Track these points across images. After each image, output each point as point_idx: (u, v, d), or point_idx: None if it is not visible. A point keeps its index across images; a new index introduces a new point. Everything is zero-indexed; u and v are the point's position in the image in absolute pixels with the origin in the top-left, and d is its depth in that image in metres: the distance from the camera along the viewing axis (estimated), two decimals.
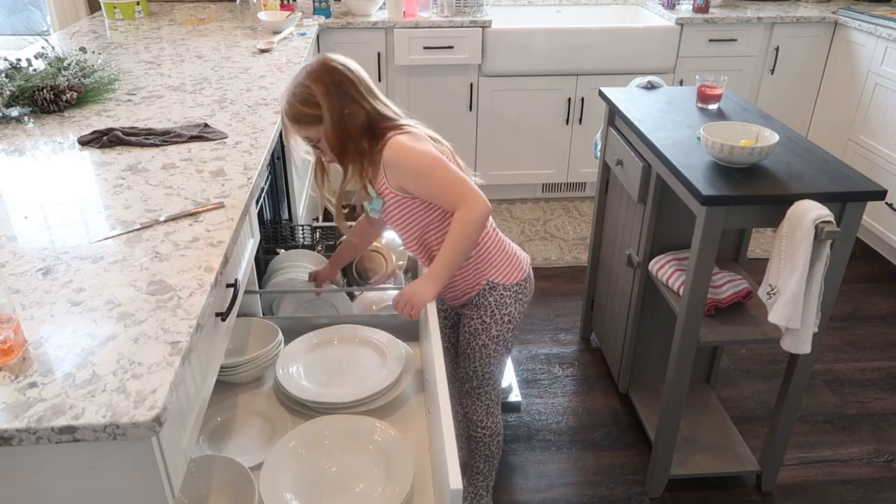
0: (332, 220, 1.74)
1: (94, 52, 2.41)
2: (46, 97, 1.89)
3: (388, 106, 1.55)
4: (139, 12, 3.23)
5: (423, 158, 1.46)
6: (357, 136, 1.48)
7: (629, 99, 2.17)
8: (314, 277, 1.85)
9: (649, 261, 2.03)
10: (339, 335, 1.67)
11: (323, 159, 1.56)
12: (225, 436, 1.45)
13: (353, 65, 1.52)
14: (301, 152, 1.58)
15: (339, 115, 1.45)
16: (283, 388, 1.49)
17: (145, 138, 1.70)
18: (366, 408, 1.46)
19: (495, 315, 1.63)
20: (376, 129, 1.49)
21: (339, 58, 1.51)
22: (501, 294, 1.61)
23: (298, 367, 1.57)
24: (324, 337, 1.66)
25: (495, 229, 1.63)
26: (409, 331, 1.72)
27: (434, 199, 1.50)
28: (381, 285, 2.02)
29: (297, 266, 2.01)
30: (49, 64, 2.04)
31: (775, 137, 1.68)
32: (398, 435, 1.37)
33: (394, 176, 1.49)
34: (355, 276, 2.14)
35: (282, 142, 2.28)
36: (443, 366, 1.32)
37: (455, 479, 1.07)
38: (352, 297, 2.16)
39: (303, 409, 1.48)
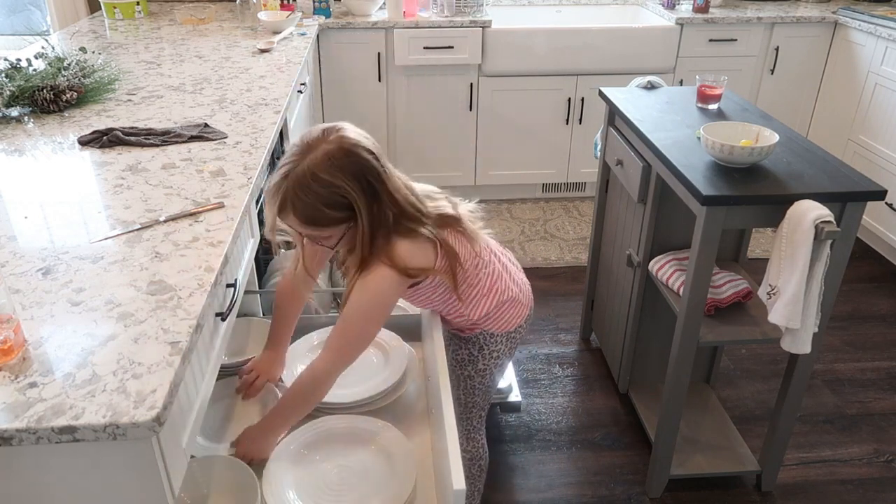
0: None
1: (94, 52, 2.41)
2: (46, 97, 1.89)
3: (400, 184, 1.33)
4: (139, 12, 3.23)
5: (368, 306, 1.31)
6: (382, 237, 1.29)
7: (629, 99, 2.17)
8: (247, 372, 1.52)
9: (649, 261, 2.03)
10: (320, 341, 1.66)
11: (310, 245, 1.37)
12: (226, 435, 1.44)
13: (371, 140, 1.30)
14: (277, 235, 1.34)
15: (376, 216, 1.27)
16: (286, 387, 1.49)
17: (145, 138, 1.70)
18: (369, 408, 1.46)
19: (483, 351, 1.57)
20: (404, 222, 1.31)
21: (358, 135, 1.28)
22: (493, 336, 1.56)
23: (301, 368, 1.57)
24: (325, 336, 1.66)
25: (497, 286, 1.50)
26: (411, 331, 1.72)
27: (337, 325, 1.35)
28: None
29: None
30: (49, 64, 2.04)
31: (775, 137, 1.68)
32: (401, 435, 1.37)
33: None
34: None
35: (282, 142, 2.28)
36: (445, 366, 1.32)
37: (458, 480, 1.07)
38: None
39: None
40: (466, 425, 1.69)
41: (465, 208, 1.46)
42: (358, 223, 1.26)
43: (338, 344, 1.33)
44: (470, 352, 1.58)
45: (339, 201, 1.23)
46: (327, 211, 1.23)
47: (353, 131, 1.27)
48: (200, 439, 1.39)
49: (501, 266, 1.55)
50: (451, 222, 1.39)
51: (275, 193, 1.23)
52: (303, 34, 2.93)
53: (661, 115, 2.03)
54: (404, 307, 1.89)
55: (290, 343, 1.61)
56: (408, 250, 1.31)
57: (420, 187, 1.41)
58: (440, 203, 1.40)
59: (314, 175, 1.20)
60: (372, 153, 1.26)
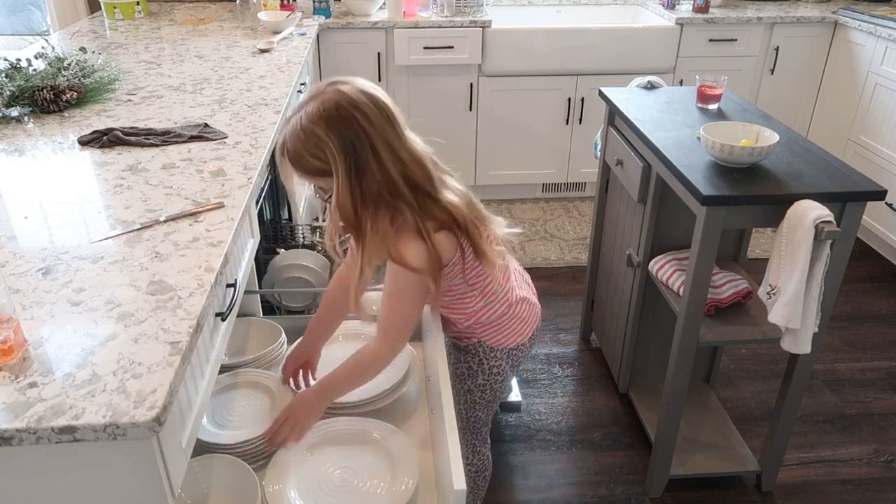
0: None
1: (94, 52, 2.41)
2: (46, 97, 1.89)
3: (409, 157, 1.25)
4: (139, 12, 3.23)
5: (400, 284, 1.30)
6: (373, 207, 1.23)
7: (629, 99, 2.17)
8: (290, 367, 1.52)
9: (649, 261, 2.03)
10: (343, 332, 1.67)
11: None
12: (233, 424, 1.44)
13: (380, 101, 1.23)
14: (296, 186, 1.34)
15: (356, 179, 1.21)
16: (290, 388, 1.49)
17: (145, 138, 1.70)
18: (370, 407, 1.46)
19: (483, 366, 1.52)
20: (397, 203, 1.25)
21: (362, 94, 1.21)
22: (493, 350, 1.51)
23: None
24: (357, 330, 1.66)
25: (508, 301, 1.47)
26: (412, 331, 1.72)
27: (381, 309, 1.35)
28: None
29: (297, 266, 2.01)
30: (49, 64, 2.04)
31: (775, 137, 1.68)
32: (402, 435, 1.37)
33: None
34: None
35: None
36: (446, 365, 1.31)
37: (459, 480, 1.07)
38: None
39: None
40: (471, 439, 1.65)
41: (500, 226, 1.41)
42: (335, 181, 1.21)
43: (385, 326, 1.34)
44: (469, 365, 1.54)
45: (323, 153, 1.19)
46: (312, 161, 1.21)
47: (354, 88, 1.22)
48: (209, 426, 1.40)
49: (516, 279, 1.51)
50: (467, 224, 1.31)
51: (279, 139, 1.25)
52: (303, 34, 2.93)
53: (661, 115, 2.03)
54: None
55: (295, 343, 1.60)
56: (420, 214, 1.26)
57: (449, 181, 1.34)
58: (453, 196, 1.31)
59: (304, 124, 1.19)
60: (366, 116, 1.19)
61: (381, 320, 1.35)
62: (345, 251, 1.40)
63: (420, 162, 1.27)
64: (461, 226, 1.30)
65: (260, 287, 1.93)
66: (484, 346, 1.51)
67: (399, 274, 1.28)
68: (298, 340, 1.57)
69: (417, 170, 1.26)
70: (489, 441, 1.71)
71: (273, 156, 1.87)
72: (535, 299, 1.57)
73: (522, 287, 1.54)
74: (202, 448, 1.33)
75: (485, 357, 1.52)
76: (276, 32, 2.89)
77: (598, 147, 2.36)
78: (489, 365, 1.53)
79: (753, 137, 1.72)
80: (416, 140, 1.29)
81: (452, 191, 1.33)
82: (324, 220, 1.41)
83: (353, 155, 1.20)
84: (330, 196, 1.25)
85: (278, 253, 2.34)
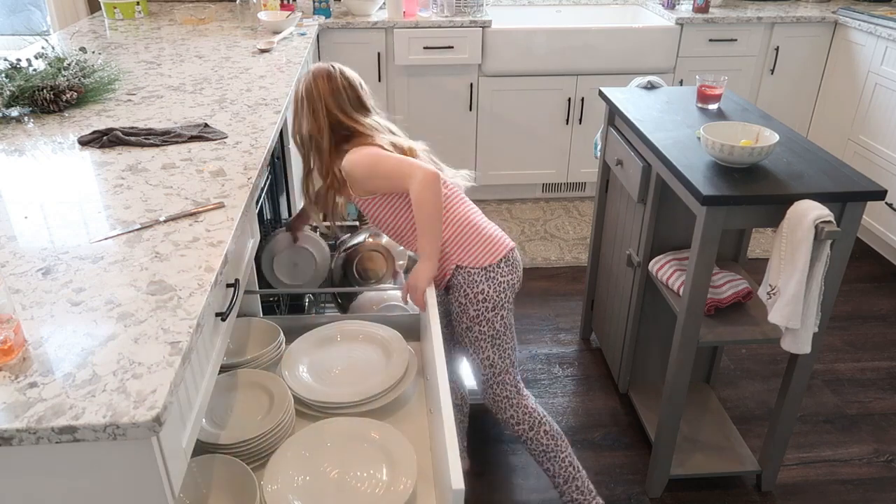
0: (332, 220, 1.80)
1: (94, 52, 2.41)
2: (46, 97, 1.89)
3: (363, 121, 1.66)
4: (139, 12, 3.23)
5: (364, 160, 1.58)
6: (322, 144, 1.64)
7: (629, 99, 2.17)
8: (291, 227, 1.96)
9: (649, 261, 2.03)
10: (341, 332, 1.67)
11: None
12: (229, 424, 1.44)
13: (345, 74, 1.67)
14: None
15: (310, 122, 1.64)
16: (291, 390, 1.49)
17: (145, 138, 1.70)
18: (369, 407, 1.46)
19: (468, 294, 1.64)
20: (341, 141, 1.65)
21: (331, 67, 1.66)
22: (470, 273, 1.63)
23: (303, 368, 1.57)
24: (326, 334, 1.66)
25: (466, 214, 1.67)
26: (411, 330, 1.72)
27: (388, 190, 1.62)
28: (383, 286, 2.02)
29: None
30: (49, 64, 2.04)
31: (775, 137, 1.68)
32: (400, 435, 1.37)
33: (353, 184, 1.63)
34: (356, 276, 2.14)
35: (282, 142, 2.28)
36: (444, 365, 1.32)
37: (457, 480, 1.07)
38: (353, 297, 2.16)
39: (305, 409, 1.48)
40: (502, 391, 1.72)
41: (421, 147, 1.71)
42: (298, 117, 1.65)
43: (396, 179, 1.58)
44: (458, 301, 1.66)
45: (295, 98, 1.67)
46: (295, 101, 1.67)
47: (328, 68, 1.65)
48: (208, 426, 1.40)
49: (474, 210, 1.70)
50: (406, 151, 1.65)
51: None
52: (303, 34, 2.93)
53: (661, 115, 2.03)
54: (405, 307, 1.89)
55: (293, 342, 1.62)
56: (362, 150, 1.61)
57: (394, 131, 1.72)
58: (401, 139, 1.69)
59: (301, 88, 1.66)
60: (335, 80, 1.64)
61: (396, 184, 1.59)
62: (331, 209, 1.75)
63: (374, 126, 1.67)
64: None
65: (260, 287, 1.92)
66: (461, 272, 1.64)
67: (360, 169, 1.59)
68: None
69: (366, 128, 1.65)
70: (524, 391, 1.75)
71: (273, 156, 1.91)
72: (501, 232, 1.71)
73: (484, 220, 1.71)
74: (201, 448, 1.34)
75: (466, 285, 1.64)
76: (276, 32, 2.89)
77: (598, 147, 2.36)
78: (473, 292, 1.63)
79: (753, 137, 1.72)
80: (379, 117, 1.72)
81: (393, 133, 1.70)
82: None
83: (310, 103, 1.64)
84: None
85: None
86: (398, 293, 2.09)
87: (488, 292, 1.63)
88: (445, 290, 1.71)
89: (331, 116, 1.63)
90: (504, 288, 1.66)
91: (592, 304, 2.60)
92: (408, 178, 1.55)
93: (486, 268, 1.63)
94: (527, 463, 2.11)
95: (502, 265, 1.65)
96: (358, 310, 2.10)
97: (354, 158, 1.59)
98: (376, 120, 1.69)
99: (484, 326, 1.66)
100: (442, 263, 1.65)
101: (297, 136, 1.68)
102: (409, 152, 1.65)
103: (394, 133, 1.70)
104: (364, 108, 1.69)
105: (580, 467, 1.79)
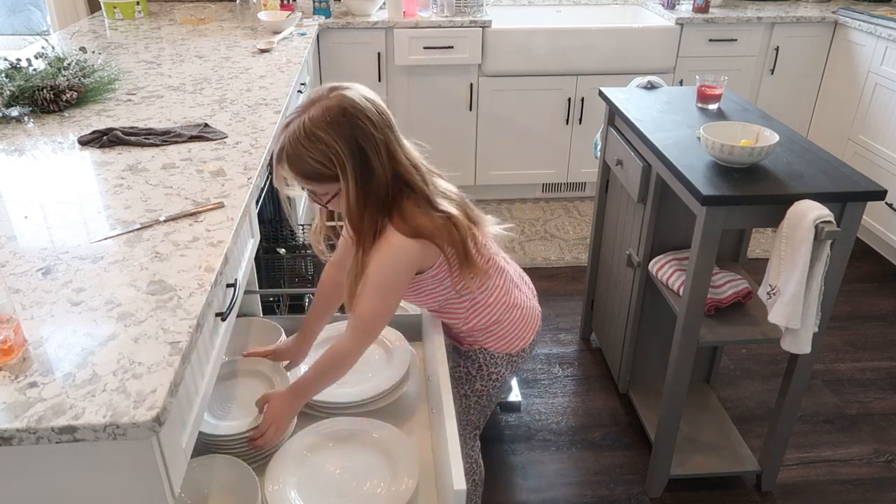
0: (332, 220, 1.54)
1: (94, 52, 2.41)
2: (46, 97, 1.89)
3: (408, 162, 1.30)
4: (139, 12, 3.23)
5: (382, 277, 1.29)
6: (375, 209, 1.27)
7: (629, 99, 2.17)
8: (270, 354, 1.55)
9: (649, 261, 2.03)
10: (341, 333, 1.66)
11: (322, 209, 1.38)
12: (231, 414, 1.44)
13: (381, 107, 1.27)
14: (288, 191, 1.35)
15: (363, 183, 1.24)
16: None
17: (145, 138, 1.70)
18: (370, 407, 1.46)
19: (482, 371, 1.53)
20: (390, 200, 1.29)
21: (365, 100, 1.25)
22: (493, 356, 1.52)
23: (303, 368, 1.57)
24: (327, 335, 1.66)
25: (507, 300, 1.48)
26: (412, 331, 1.72)
27: (358, 300, 1.32)
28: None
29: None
30: (49, 64, 2.04)
31: (775, 137, 1.68)
32: (402, 435, 1.37)
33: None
34: None
35: None
36: (446, 364, 1.31)
37: (459, 480, 1.07)
38: None
39: (307, 409, 1.48)
40: (461, 444, 1.62)
41: (491, 225, 1.43)
42: (344, 186, 1.23)
43: (360, 321, 1.32)
44: (468, 370, 1.54)
45: (329, 159, 1.21)
46: (316, 166, 1.22)
47: (357, 93, 1.25)
48: (208, 417, 1.40)
49: (512, 282, 1.51)
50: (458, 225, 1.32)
51: (276, 143, 1.26)
52: (303, 34, 2.93)
53: (661, 115, 2.03)
54: (405, 307, 1.89)
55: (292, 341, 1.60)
56: (415, 213, 1.28)
57: (442, 184, 1.37)
58: (451, 206, 1.33)
59: (308, 129, 1.20)
60: (371, 120, 1.22)
61: (358, 315, 1.33)
62: (331, 248, 1.44)
63: (417, 167, 1.31)
64: (455, 236, 1.31)
65: (260, 287, 1.92)
66: (485, 353, 1.52)
67: (384, 265, 1.29)
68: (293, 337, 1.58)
69: (416, 174, 1.30)
70: (479, 443, 1.70)
71: (273, 155, 1.88)
72: (534, 302, 1.57)
73: (521, 290, 1.54)
74: (201, 440, 1.33)
75: (485, 363, 1.53)
76: (276, 32, 2.89)
77: (598, 147, 2.36)
78: (488, 371, 1.53)
79: (753, 137, 1.72)
80: (410, 147, 1.34)
81: (448, 198, 1.35)
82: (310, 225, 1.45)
83: (361, 159, 1.22)
84: (325, 199, 1.30)
85: (279, 252, 2.34)
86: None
87: (503, 374, 1.54)
88: (454, 349, 1.58)
89: (389, 166, 1.26)
90: (517, 368, 1.56)
91: (592, 304, 2.60)
92: (356, 335, 1.32)
93: (511, 354, 1.52)
94: (527, 463, 2.11)
95: (527, 350, 1.54)
96: None
97: (386, 254, 1.28)
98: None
99: (483, 399, 1.58)
100: (463, 338, 1.52)
101: (325, 184, 1.26)
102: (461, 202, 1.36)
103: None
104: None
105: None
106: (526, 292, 1.55)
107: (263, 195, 2.06)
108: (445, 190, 1.37)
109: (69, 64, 2.05)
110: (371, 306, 1.31)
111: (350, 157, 1.21)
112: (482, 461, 1.72)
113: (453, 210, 1.32)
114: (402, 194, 1.29)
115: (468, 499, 1.72)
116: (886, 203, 3.04)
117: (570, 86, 3.43)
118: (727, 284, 1.87)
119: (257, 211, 1.70)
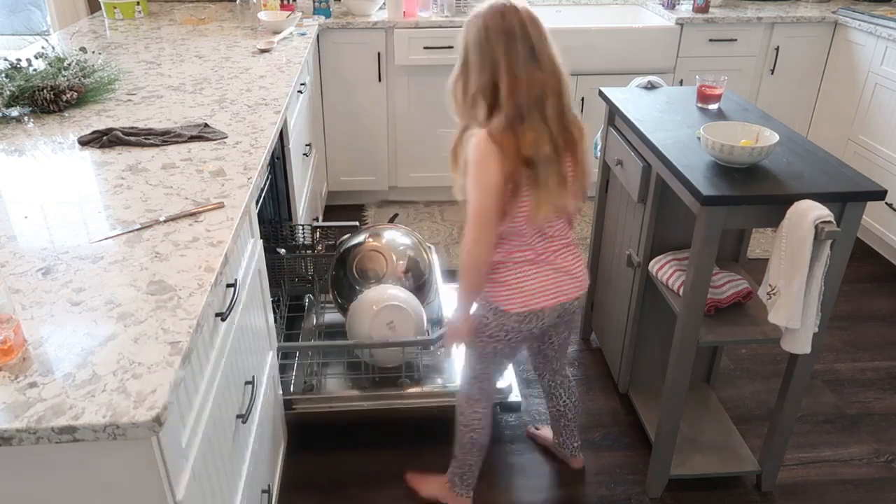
0: (331, 220, 1.72)
1: (94, 52, 2.41)
2: (46, 97, 1.89)
3: (530, 84, 1.42)
4: (139, 12, 3.23)
5: (472, 172, 1.46)
6: (473, 98, 1.47)
7: (629, 99, 2.17)
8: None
9: (649, 261, 2.03)
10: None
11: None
12: None
13: (519, 28, 1.41)
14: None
15: (471, 66, 1.46)
16: None
17: (145, 138, 1.70)
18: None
19: (478, 311, 1.65)
20: (492, 105, 1.45)
21: (506, 12, 1.41)
22: (488, 303, 1.62)
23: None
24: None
25: (518, 264, 1.58)
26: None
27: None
28: (405, 339, 2.04)
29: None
30: (49, 64, 2.04)
31: (775, 137, 1.68)
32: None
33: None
34: (356, 276, 2.14)
35: (282, 142, 2.28)
36: None
37: None
38: (353, 296, 2.15)
39: None
40: (466, 388, 1.79)
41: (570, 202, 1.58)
42: (464, 70, 1.47)
43: (469, 217, 1.49)
44: (485, 315, 1.63)
45: (464, 44, 1.46)
46: (461, 44, 1.47)
47: (514, 6, 1.42)
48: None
49: (534, 261, 1.58)
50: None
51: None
52: (303, 34, 2.93)
53: (661, 115, 2.03)
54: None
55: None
56: (490, 138, 1.43)
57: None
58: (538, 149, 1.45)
59: (469, 17, 1.47)
60: (507, 34, 1.40)
61: (468, 209, 1.49)
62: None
63: (530, 88, 1.42)
64: (526, 162, 1.44)
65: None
66: (485, 297, 1.62)
67: (471, 155, 1.46)
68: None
69: (523, 98, 1.42)
70: (486, 406, 1.80)
71: (273, 156, 1.89)
72: (549, 289, 1.60)
73: (538, 272, 1.59)
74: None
75: (482, 305, 1.64)
76: (276, 32, 2.89)
77: (598, 147, 2.36)
78: (499, 323, 1.62)
79: (753, 137, 1.72)
80: (550, 67, 1.46)
81: (540, 146, 1.45)
82: None
83: (487, 54, 1.42)
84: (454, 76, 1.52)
85: (279, 252, 2.34)
86: (401, 294, 2.09)
87: (491, 326, 1.63)
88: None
89: (506, 74, 1.41)
90: (508, 335, 1.64)
91: (592, 304, 2.60)
92: (467, 231, 1.49)
93: (502, 312, 1.60)
94: (527, 463, 2.11)
95: (518, 319, 1.60)
96: (358, 310, 2.10)
97: (476, 154, 1.45)
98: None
99: (475, 342, 1.68)
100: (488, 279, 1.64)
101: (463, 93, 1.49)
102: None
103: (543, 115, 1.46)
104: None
105: (475, 474, 1.88)
106: (542, 278, 1.60)
107: (263, 195, 2.06)
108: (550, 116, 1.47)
109: (69, 64, 2.05)
110: (471, 201, 1.48)
111: (475, 47, 1.43)
112: (487, 426, 1.82)
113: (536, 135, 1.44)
114: (505, 110, 1.43)
115: (463, 455, 1.84)
116: (886, 203, 3.04)
117: (570, 85, 3.42)
118: (727, 284, 1.87)
119: (257, 211, 1.70)
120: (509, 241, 1.56)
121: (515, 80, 1.41)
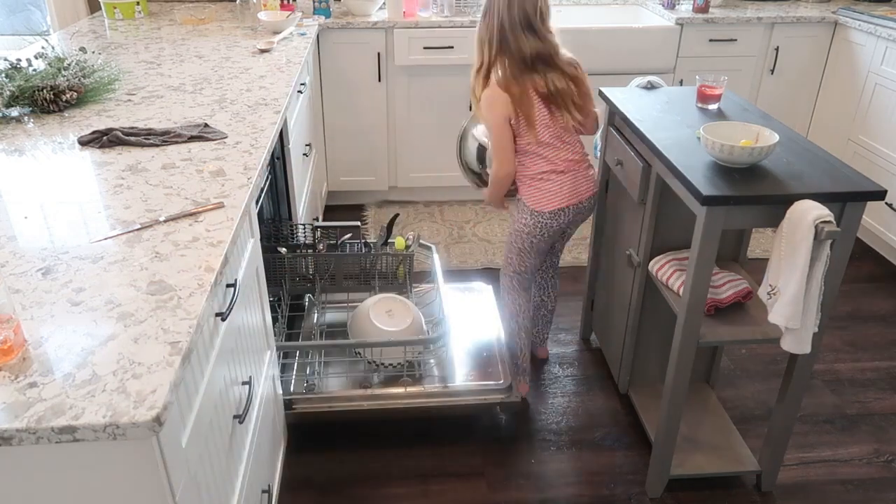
0: (331, 220, 1.88)
1: (94, 52, 2.41)
2: (46, 97, 1.89)
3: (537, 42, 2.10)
4: (139, 12, 3.23)
5: (488, 119, 2.04)
6: (486, 48, 2.06)
7: (629, 99, 2.17)
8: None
9: (649, 261, 2.03)
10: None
11: None
12: None
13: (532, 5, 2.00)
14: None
15: (483, 20, 2.06)
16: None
17: (145, 138, 1.70)
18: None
19: (514, 215, 2.15)
20: (501, 53, 2.04)
21: None
22: (525, 206, 2.08)
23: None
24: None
25: (544, 174, 2.03)
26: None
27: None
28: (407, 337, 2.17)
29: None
30: (49, 64, 2.04)
31: (775, 137, 1.68)
32: None
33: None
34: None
35: (282, 142, 2.28)
36: None
37: None
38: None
39: None
40: (507, 281, 2.27)
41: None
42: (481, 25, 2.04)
43: (491, 148, 2.10)
44: (512, 213, 2.15)
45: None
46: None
47: None
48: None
49: (550, 170, 2.03)
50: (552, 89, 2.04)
51: None
52: (303, 34, 2.93)
53: (661, 115, 2.03)
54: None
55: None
56: (498, 85, 2.01)
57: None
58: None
59: None
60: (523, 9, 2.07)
61: (493, 149, 2.08)
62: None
63: (536, 50, 2.08)
64: (527, 109, 1.99)
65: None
66: (521, 202, 2.10)
67: (483, 103, 2.06)
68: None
69: (525, 49, 2.04)
70: (526, 294, 2.29)
71: (273, 156, 1.91)
72: (568, 186, 2.06)
73: (557, 175, 2.04)
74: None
75: (517, 209, 2.13)
76: (276, 32, 2.89)
77: (598, 147, 2.36)
78: (520, 215, 2.11)
79: (753, 137, 1.72)
80: (538, 41, 2.11)
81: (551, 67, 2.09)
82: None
83: (505, 17, 2.03)
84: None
85: (279, 252, 2.34)
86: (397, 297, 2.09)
87: (529, 223, 2.08)
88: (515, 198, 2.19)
89: (516, 34, 2.02)
90: (543, 231, 2.08)
91: (592, 304, 2.60)
92: (495, 160, 2.05)
93: (536, 211, 2.05)
94: (526, 462, 2.11)
95: (548, 216, 2.05)
96: (359, 308, 2.10)
97: (487, 101, 2.04)
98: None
99: (513, 238, 2.15)
100: (520, 186, 2.11)
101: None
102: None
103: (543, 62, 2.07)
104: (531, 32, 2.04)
105: (528, 358, 2.34)
106: (564, 183, 2.05)
107: (263, 195, 2.06)
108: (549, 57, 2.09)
109: (69, 64, 2.05)
110: (492, 141, 2.08)
111: (491, 11, 2.04)
112: (528, 311, 2.32)
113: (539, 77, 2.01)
114: (507, 57, 2.03)
115: (513, 330, 2.32)
116: (886, 203, 3.04)
117: None
118: (727, 284, 1.87)
119: (257, 211, 1.70)
120: (537, 157, 2.03)
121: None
